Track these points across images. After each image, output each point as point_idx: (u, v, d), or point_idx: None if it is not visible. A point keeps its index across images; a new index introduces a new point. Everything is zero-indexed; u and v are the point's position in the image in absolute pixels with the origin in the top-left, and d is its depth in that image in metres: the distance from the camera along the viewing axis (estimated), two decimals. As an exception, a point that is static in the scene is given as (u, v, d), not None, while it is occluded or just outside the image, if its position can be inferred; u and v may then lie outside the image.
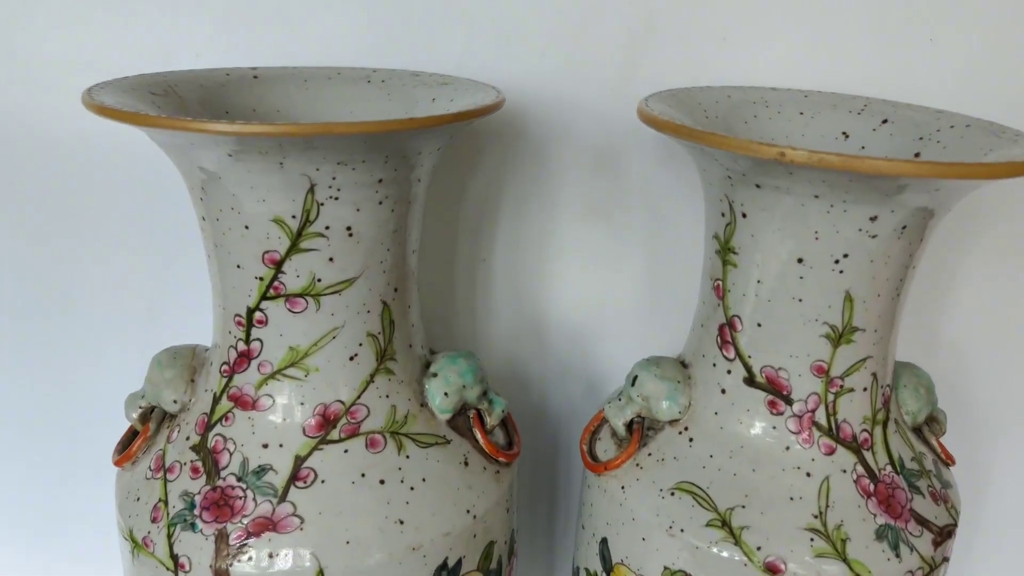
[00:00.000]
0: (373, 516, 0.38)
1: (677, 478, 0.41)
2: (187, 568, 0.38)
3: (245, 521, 0.38)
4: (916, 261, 0.39)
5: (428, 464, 0.41)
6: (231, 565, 0.37)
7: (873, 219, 0.36)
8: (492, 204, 0.53)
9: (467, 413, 0.44)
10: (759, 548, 0.39)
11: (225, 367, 0.40)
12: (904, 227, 0.36)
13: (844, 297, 0.38)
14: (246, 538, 0.37)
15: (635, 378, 0.44)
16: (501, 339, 0.57)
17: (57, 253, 0.54)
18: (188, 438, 0.41)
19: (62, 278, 0.55)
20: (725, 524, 0.40)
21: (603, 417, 0.47)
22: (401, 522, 0.39)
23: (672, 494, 0.41)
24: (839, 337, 0.39)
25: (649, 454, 0.43)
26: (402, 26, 0.49)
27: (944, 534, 0.41)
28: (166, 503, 0.39)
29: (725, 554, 0.39)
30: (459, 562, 0.41)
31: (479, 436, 0.44)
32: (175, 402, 0.42)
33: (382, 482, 0.39)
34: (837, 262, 0.37)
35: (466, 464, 0.42)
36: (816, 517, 0.39)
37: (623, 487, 0.43)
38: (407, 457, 0.40)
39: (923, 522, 0.40)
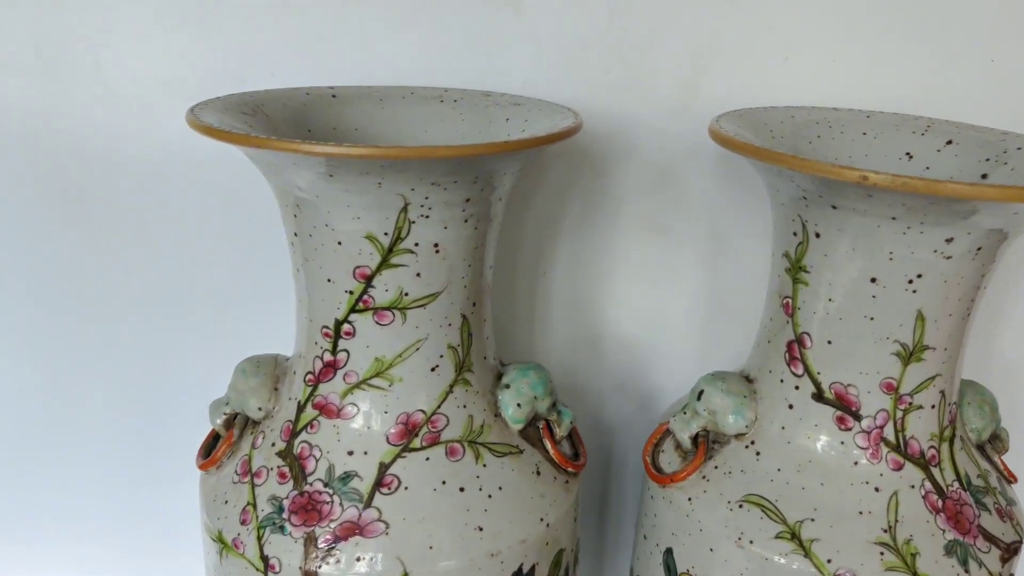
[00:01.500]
0: (454, 523, 0.40)
1: (745, 490, 0.42)
2: (277, 569, 0.39)
3: (332, 525, 0.39)
4: (987, 282, 0.40)
5: (504, 473, 0.42)
6: (319, 567, 0.38)
7: (949, 241, 0.36)
8: (555, 220, 0.54)
9: (536, 424, 0.45)
10: (829, 561, 0.39)
11: (310, 376, 0.41)
12: (979, 249, 0.37)
13: (916, 316, 0.39)
14: (334, 541, 0.39)
15: (701, 392, 0.45)
16: (558, 351, 0.58)
17: (135, 261, 0.56)
18: (273, 444, 0.42)
19: (137, 286, 0.57)
20: (795, 536, 0.40)
21: (665, 430, 0.48)
22: (480, 529, 0.40)
23: (740, 506, 0.42)
24: (909, 355, 0.40)
25: (716, 467, 0.44)
26: (469, 45, 0.51)
27: (1011, 551, 0.41)
28: (255, 506, 0.41)
29: (795, 566, 0.40)
30: (532, 569, 0.42)
31: (549, 446, 0.45)
32: (260, 409, 0.43)
33: (462, 490, 0.40)
34: (911, 282, 0.38)
35: (538, 473, 0.44)
36: (886, 531, 0.40)
37: (690, 498, 0.44)
38: (484, 466, 0.41)
39: (991, 538, 0.41)
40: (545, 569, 0.43)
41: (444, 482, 0.40)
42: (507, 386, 0.44)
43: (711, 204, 0.53)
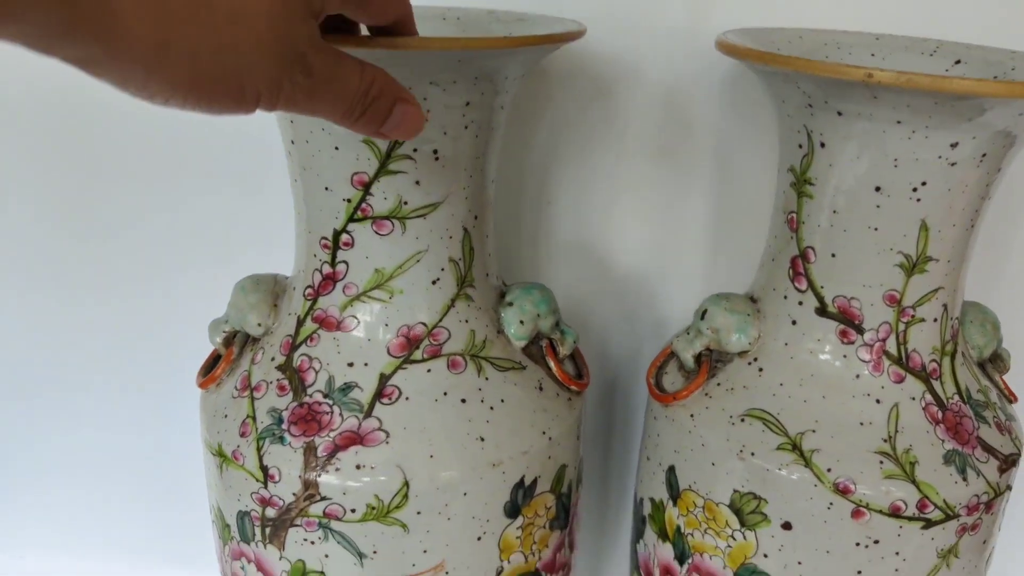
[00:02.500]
0: (455, 433, 0.40)
1: (747, 405, 0.43)
2: (276, 478, 0.39)
3: (332, 435, 0.39)
4: (992, 192, 0.39)
5: (506, 387, 0.42)
6: (319, 476, 0.39)
7: (954, 146, 0.36)
8: (560, 146, 0.54)
9: (539, 343, 0.45)
10: (829, 470, 0.40)
11: (309, 290, 0.41)
12: (984, 155, 0.37)
13: (920, 226, 0.39)
14: (334, 451, 0.39)
15: (705, 312, 0.45)
16: (564, 280, 0.58)
17: (129, 185, 0.56)
18: (273, 359, 0.42)
19: (134, 208, 0.57)
20: (796, 447, 0.41)
21: (670, 352, 0.48)
22: (482, 439, 0.40)
23: (742, 420, 0.42)
24: (912, 267, 0.40)
25: (718, 384, 0.44)
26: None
27: (1009, 462, 0.42)
28: (254, 419, 0.41)
29: (796, 476, 0.40)
30: (535, 482, 0.42)
31: (552, 364, 0.45)
32: (259, 325, 0.43)
33: (463, 401, 0.41)
34: (915, 190, 0.38)
35: (540, 389, 0.44)
36: (886, 441, 0.40)
37: (692, 415, 0.44)
38: (486, 379, 0.42)
39: (989, 449, 0.41)
40: (547, 484, 0.44)
41: (445, 393, 0.40)
42: (510, 304, 0.44)
43: (718, 128, 0.53)
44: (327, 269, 0.41)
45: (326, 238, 0.40)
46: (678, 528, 0.45)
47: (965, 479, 0.40)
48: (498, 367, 0.43)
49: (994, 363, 0.46)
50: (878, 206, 0.39)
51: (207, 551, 0.50)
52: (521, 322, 0.44)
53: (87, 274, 0.59)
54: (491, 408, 0.41)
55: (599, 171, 0.55)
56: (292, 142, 0.40)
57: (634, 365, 0.60)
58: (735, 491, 0.42)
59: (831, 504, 0.40)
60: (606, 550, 0.68)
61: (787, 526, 0.41)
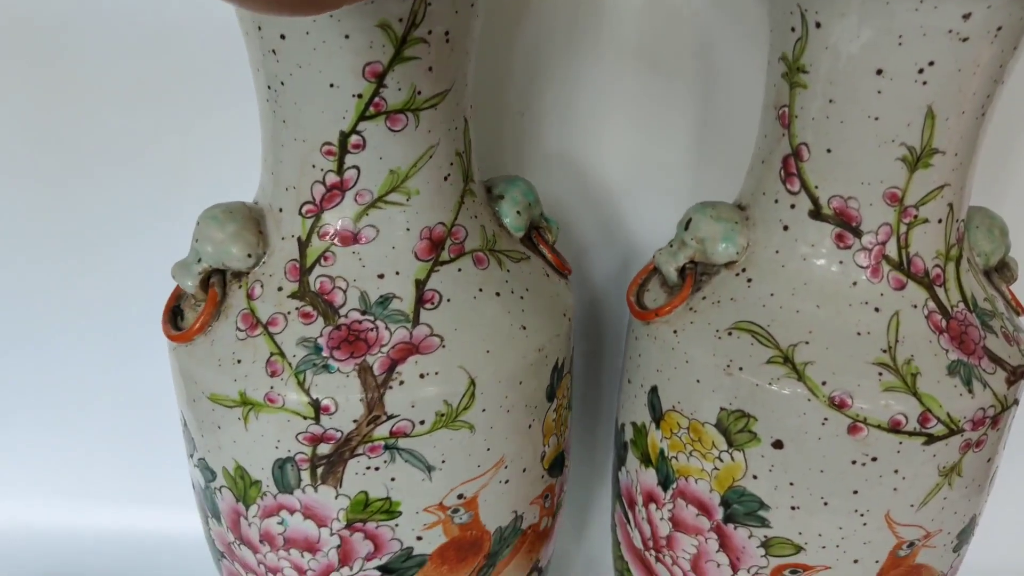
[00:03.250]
0: (501, 325, 0.39)
1: (735, 318, 0.39)
2: (332, 409, 0.36)
3: (385, 350, 0.37)
4: (1006, 76, 0.36)
5: (524, 276, 0.42)
6: (384, 394, 0.36)
7: (966, 17, 0.32)
8: (540, 54, 0.50)
9: (529, 234, 0.45)
10: (824, 383, 0.37)
11: (308, 207, 0.37)
12: (999, 28, 0.33)
13: (925, 113, 0.35)
14: (392, 365, 0.36)
15: (689, 221, 0.42)
16: (547, 194, 0.54)
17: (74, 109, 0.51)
18: (280, 289, 0.38)
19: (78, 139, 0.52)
20: (788, 360, 0.38)
21: (652, 267, 0.44)
22: (524, 328, 0.40)
23: (729, 334, 0.39)
24: (916, 160, 0.36)
25: (703, 297, 0.41)
26: None
27: (1018, 374, 0.39)
28: (282, 355, 0.37)
29: (787, 391, 0.37)
30: (563, 363, 0.43)
31: (546, 252, 0.45)
32: (249, 256, 0.38)
33: (497, 294, 0.40)
34: (921, 72, 0.34)
35: (547, 276, 0.44)
36: (885, 352, 0.37)
37: (675, 331, 0.41)
38: (508, 271, 0.41)
39: (996, 360, 0.38)
40: (568, 366, 0.45)
41: (481, 290, 0.39)
42: (501, 196, 0.43)
43: (703, 30, 0.49)
44: (332, 179, 0.37)
45: (330, 143, 0.36)
46: (661, 452, 0.43)
47: (971, 391, 0.37)
48: (513, 258, 0.42)
49: (1001, 272, 0.43)
50: (879, 92, 0.35)
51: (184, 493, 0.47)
52: (518, 212, 0.43)
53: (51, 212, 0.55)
54: (521, 298, 0.41)
55: (580, 80, 0.51)
56: (282, 37, 0.34)
57: (617, 285, 0.57)
58: (722, 409, 0.39)
59: (826, 420, 0.37)
60: (595, 480, 0.66)
61: (778, 445, 0.38)
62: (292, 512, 0.39)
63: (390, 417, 0.36)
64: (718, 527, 0.41)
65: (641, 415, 0.44)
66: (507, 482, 0.41)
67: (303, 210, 0.38)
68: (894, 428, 0.36)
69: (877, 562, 0.40)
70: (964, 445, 0.38)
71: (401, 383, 0.36)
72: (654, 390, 0.42)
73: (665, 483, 0.43)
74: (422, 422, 0.37)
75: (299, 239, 0.38)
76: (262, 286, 0.39)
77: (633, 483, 0.46)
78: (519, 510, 0.43)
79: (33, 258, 0.57)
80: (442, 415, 0.37)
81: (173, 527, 0.65)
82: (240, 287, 0.39)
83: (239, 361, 0.38)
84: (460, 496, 0.39)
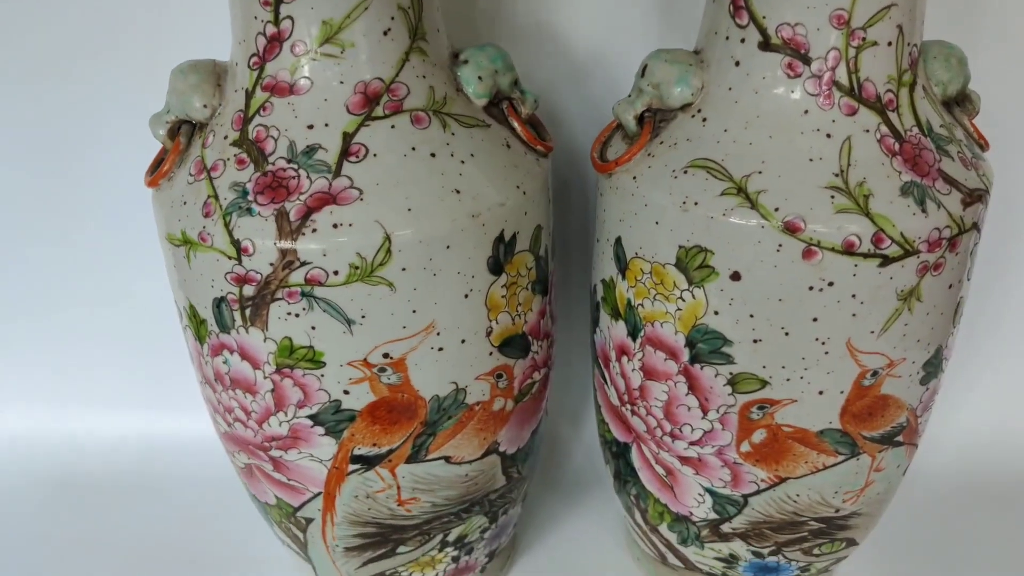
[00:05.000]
0: (430, 186, 0.39)
1: (690, 157, 0.40)
2: (251, 251, 0.38)
3: (303, 197, 0.38)
4: None
5: (473, 142, 0.41)
6: (296, 240, 0.37)
7: None
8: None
9: (501, 105, 0.44)
10: (777, 209, 0.37)
11: (255, 59, 0.40)
12: None
13: (869, -76, 0.35)
14: (307, 213, 0.38)
15: (645, 67, 0.42)
16: (522, 67, 0.54)
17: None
18: (226, 137, 0.41)
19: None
20: (741, 191, 0.38)
21: (615, 125, 0.45)
22: (458, 191, 0.39)
23: (685, 172, 0.40)
24: (861, -21, 0.36)
25: (661, 142, 0.42)
26: None
27: (974, 196, 0.39)
28: (216, 197, 0.39)
29: (741, 220, 0.38)
30: (514, 237, 0.42)
31: (516, 124, 0.44)
32: (205, 107, 0.42)
33: (433, 155, 0.40)
34: None
35: (508, 147, 0.43)
36: (837, 175, 0.37)
37: (634, 177, 0.42)
38: (452, 134, 0.41)
39: (951, 181, 0.38)
40: (526, 242, 0.43)
41: (413, 148, 0.39)
42: (465, 62, 0.43)
43: None
44: (271, 29, 0.39)
45: None
46: (628, 302, 0.43)
47: (924, 211, 0.37)
48: (463, 123, 0.41)
49: (962, 105, 0.43)
50: (820, -97, 0.35)
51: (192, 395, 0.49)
52: (480, 78, 0.42)
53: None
54: (462, 162, 0.40)
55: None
56: None
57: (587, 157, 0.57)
58: (680, 247, 0.40)
59: (780, 245, 0.37)
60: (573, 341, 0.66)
61: (736, 276, 0.39)
62: (231, 352, 0.41)
63: (303, 264, 0.37)
64: (685, 369, 0.42)
65: (609, 270, 0.45)
66: (441, 349, 0.41)
67: (251, 62, 0.40)
68: (848, 250, 0.37)
69: (842, 392, 0.41)
70: (921, 268, 0.38)
71: (314, 231, 0.37)
72: (618, 241, 0.43)
73: (634, 333, 0.44)
74: (336, 272, 0.37)
75: (246, 90, 0.40)
76: (214, 136, 0.41)
77: (606, 340, 0.46)
78: (460, 383, 0.42)
79: (21, 158, 0.59)
80: (356, 268, 0.37)
81: (183, 430, 0.67)
82: (200, 136, 0.42)
83: (184, 203, 0.41)
84: (386, 355, 0.40)
